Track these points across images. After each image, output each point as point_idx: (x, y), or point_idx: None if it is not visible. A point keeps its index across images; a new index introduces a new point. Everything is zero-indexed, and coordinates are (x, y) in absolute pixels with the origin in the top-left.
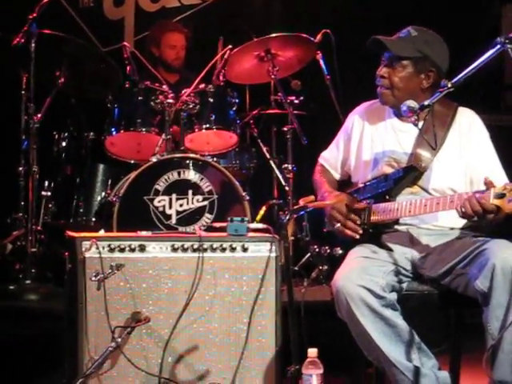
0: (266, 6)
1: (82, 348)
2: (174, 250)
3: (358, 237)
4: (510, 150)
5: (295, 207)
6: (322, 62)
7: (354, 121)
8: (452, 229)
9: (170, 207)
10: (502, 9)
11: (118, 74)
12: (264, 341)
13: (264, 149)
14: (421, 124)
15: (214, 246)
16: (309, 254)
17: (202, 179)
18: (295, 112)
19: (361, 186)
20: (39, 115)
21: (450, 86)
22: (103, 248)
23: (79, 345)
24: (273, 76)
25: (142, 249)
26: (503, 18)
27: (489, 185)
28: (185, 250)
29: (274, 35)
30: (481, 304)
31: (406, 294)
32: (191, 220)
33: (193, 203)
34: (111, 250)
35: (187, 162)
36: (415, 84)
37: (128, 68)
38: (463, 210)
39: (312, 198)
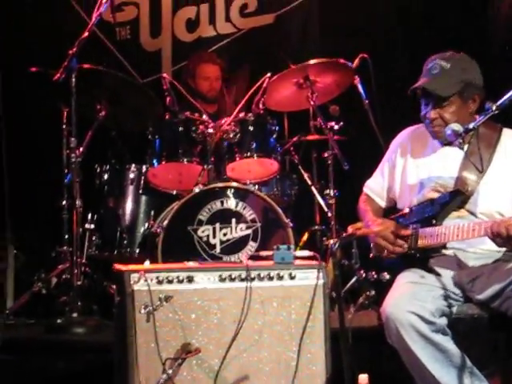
0: (302, 34)
1: (133, 381)
2: (222, 280)
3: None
4: None
5: (344, 234)
6: (360, 87)
7: (398, 147)
8: (499, 252)
9: (214, 237)
10: None
11: (157, 106)
12: (314, 369)
13: (305, 175)
14: (466, 147)
15: (262, 274)
16: (354, 280)
17: (244, 208)
18: (335, 137)
19: (407, 210)
20: (81, 149)
21: (494, 108)
22: (151, 280)
23: (130, 377)
24: (312, 102)
25: (190, 280)
26: None
27: None
28: (232, 279)
29: (311, 62)
30: None
31: (456, 318)
32: (235, 249)
33: (236, 232)
34: (159, 282)
35: (229, 191)
36: (465, 111)
37: (168, 99)
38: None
39: (360, 224)
